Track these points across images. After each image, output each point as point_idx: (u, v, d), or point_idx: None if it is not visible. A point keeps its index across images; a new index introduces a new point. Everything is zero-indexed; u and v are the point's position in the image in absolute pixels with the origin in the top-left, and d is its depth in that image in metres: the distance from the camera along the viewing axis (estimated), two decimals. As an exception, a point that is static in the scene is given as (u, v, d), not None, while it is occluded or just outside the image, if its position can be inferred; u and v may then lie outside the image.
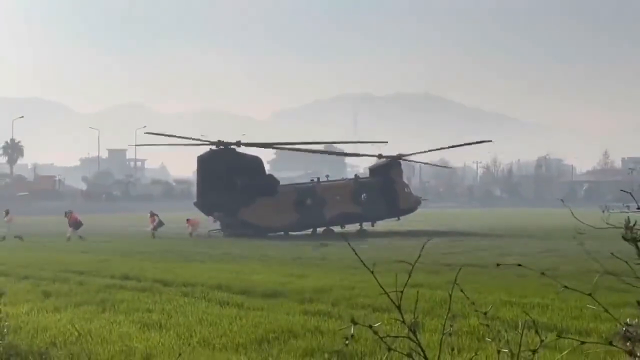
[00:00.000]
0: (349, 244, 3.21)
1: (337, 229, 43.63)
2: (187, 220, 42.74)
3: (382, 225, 45.73)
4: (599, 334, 9.57)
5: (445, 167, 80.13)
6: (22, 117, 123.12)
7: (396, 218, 46.74)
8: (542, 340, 2.77)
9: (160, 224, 41.68)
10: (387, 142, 50.68)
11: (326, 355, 8.49)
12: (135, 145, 55.45)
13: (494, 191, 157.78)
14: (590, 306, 3.04)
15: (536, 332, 2.94)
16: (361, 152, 53.04)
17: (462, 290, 3.19)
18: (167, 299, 13.54)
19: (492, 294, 13.17)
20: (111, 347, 8.80)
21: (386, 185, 45.62)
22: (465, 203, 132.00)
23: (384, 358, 7.68)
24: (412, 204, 48.16)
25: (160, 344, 9.06)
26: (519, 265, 3.37)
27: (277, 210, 41.73)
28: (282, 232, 41.53)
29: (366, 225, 44.67)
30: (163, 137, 42.63)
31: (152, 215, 42.71)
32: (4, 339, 8.31)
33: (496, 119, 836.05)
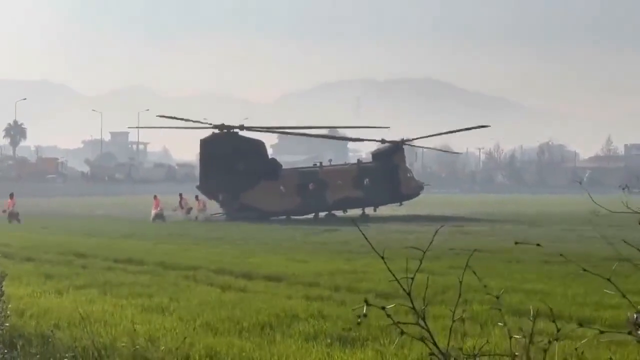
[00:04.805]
0: (359, 228, 3.19)
1: (339, 213, 43.68)
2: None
3: (384, 210, 45.73)
4: (603, 321, 9.56)
5: (450, 152, 79.76)
6: (25, 99, 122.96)
7: (398, 203, 46.75)
8: (558, 330, 2.75)
9: None
10: (389, 127, 50.60)
11: (329, 340, 8.49)
12: (138, 127, 55.36)
13: (497, 177, 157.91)
14: (608, 291, 3.00)
15: (553, 321, 2.91)
16: (364, 137, 52.90)
17: (474, 272, 3.16)
18: (170, 283, 13.55)
19: (494, 280, 13.13)
20: (114, 330, 8.81)
21: (389, 170, 45.57)
22: (467, 189, 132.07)
23: (395, 342, 7.67)
24: (415, 189, 48.14)
25: (163, 327, 9.07)
26: (538, 245, 3.32)
27: (279, 194, 41.78)
28: (284, 216, 41.58)
29: (368, 210, 44.71)
30: (165, 120, 42.50)
31: None
32: (7, 321, 8.32)
33: (499, 104, 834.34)
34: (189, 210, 42.55)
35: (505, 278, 13.70)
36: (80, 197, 75.86)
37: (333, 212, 43.75)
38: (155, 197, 41.60)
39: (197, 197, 43.28)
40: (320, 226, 33.60)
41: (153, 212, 40.47)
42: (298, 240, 25.52)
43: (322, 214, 43.31)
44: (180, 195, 44.04)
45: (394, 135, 51.03)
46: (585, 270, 3.05)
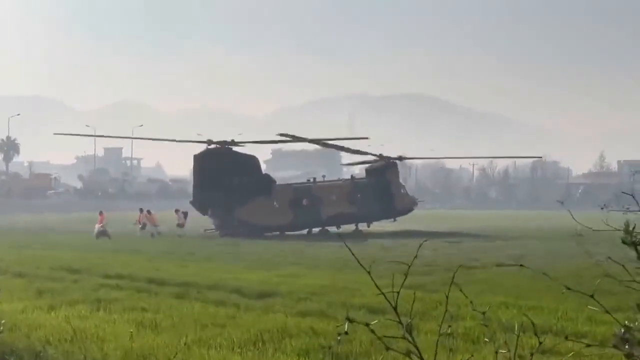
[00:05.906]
0: (345, 244, 3.22)
1: (332, 229, 43.64)
2: None
3: (377, 225, 45.73)
4: (595, 336, 9.56)
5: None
6: (19, 114, 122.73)
7: (392, 219, 46.77)
8: (540, 343, 2.77)
9: None
10: (368, 137, 51.04)
11: (320, 355, 8.48)
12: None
13: (490, 193, 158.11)
14: (592, 307, 3.03)
15: (535, 334, 2.93)
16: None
17: (461, 290, 3.19)
18: (162, 299, 13.52)
19: (486, 296, 13.15)
20: (106, 346, 8.79)
21: (382, 186, 45.63)
22: (461, 205, 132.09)
23: (381, 358, 7.67)
24: (408, 204, 48.18)
25: (155, 343, 9.05)
26: (521, 265, 3.36)
27: (273, 210, 41.76)
28: (278, 232, 41.52)
29: (362, 226, 44.70)
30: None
31: None
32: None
33: (492, 120, 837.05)
34: (144, 225, 41.50)
35: (500, 294, 13.70)
36: (73, 213, 75.70)
37: (326, 227, 43.73)
38: (100, 212, 40.55)
39: (148, 211, 42.41)
40: (314, 242, 33.55)
41: (97, 226, 39.20)
42: (291, 255, 25.48)
43: (315, 230, 43.29)
44: (141, 210, 42.96)
45: (388, 150, 51.00)
46: (568, 288, 3.08)
